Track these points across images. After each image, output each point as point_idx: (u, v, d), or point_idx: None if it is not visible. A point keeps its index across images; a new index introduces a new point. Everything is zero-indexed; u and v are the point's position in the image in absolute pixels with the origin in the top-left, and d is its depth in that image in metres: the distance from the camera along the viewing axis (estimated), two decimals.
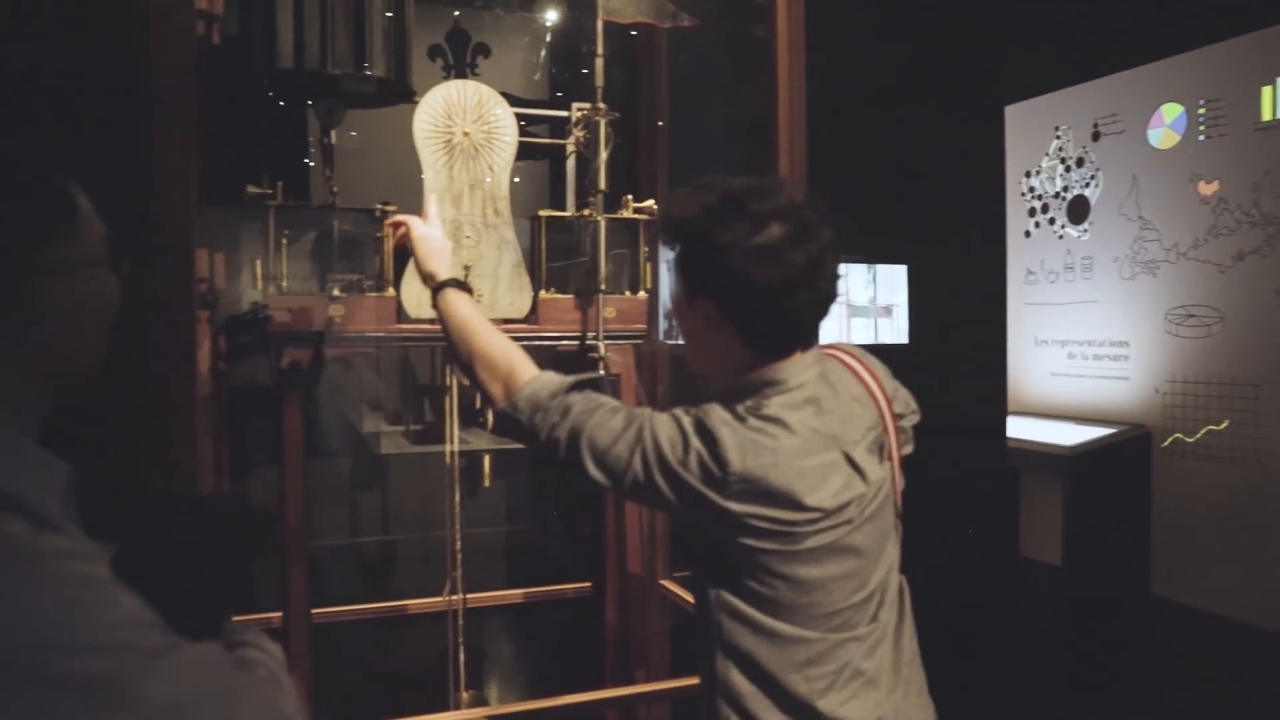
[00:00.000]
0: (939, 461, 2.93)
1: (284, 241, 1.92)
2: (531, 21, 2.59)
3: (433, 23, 2.34)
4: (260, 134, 2.17)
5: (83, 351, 0.96)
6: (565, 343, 2.08)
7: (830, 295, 1.31)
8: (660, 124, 2.43)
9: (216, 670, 0.86)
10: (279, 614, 1.94)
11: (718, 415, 1.24)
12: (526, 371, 1.36)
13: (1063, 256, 4.82)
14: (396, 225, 1.70)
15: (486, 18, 2.45)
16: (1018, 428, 4.52)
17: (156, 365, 1.69)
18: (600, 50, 2.01)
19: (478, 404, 2.14)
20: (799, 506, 1.22)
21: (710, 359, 1.35)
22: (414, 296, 1.97)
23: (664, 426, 1.25)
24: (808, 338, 1.33)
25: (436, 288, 1.51)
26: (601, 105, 2.03)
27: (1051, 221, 4.89)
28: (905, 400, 1.51)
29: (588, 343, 2.08)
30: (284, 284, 1.91)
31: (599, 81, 2.02)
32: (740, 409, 1.26)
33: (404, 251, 1.99)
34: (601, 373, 1.38)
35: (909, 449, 1.47)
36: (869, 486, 1.30)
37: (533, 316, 2.07)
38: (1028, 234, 5.03)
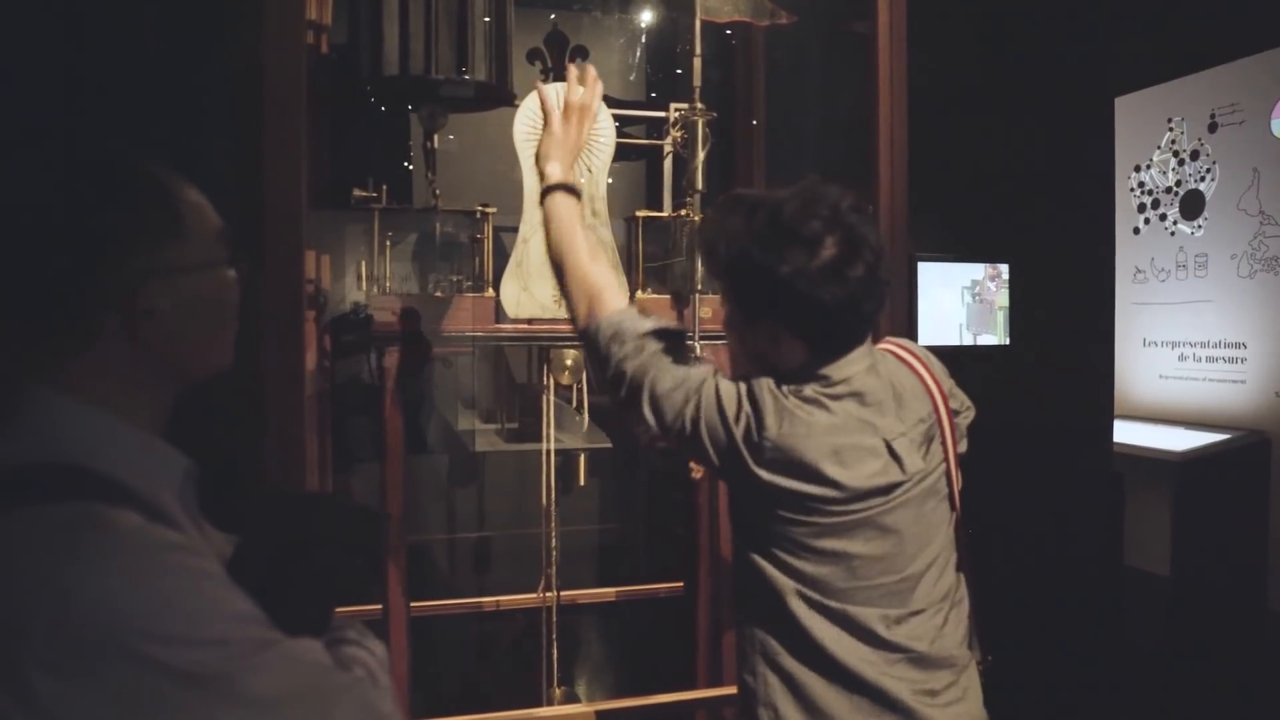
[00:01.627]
0: (1041, 466, 2.84)
1: (387, 243, 1.97)
2: (628, 22, 2.60)
3: (531, 26, 2.36)
4: (365, 138, 2.22)
5: (201, 350, 0.99)
6: None
7: (884, 293, 1.32)
8: (756, 123, 2.41)
9: (316, 668, 0.87)
10: (379, 606, 1.99)
11: (766, 385, 1.29)
12: (615, 300, 1.39)
13: (1174, 254, 4.61)
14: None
15: (584, 20, 2.46)
16: (1124, 432, 4.34)
17: (269, 363, 1.76)
18: (698, 50, 2.00)
19: (573, 403, 2.16)
20: (827, 481, 1.25)
21: (766, 368, 1.35)
22: (512, 297, 2.00)
23: (726, 385, 1.29)
24: (866, 336, 1.34)
25: (549, 187, 1.54)
26: (699, 105, 2.02)
27: (1162, 218, 4.68)
28: (961, 398, 1.51)
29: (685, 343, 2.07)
30: (387, 284, 1.96)
31: (696, 82, 2.02)
32: (785, 388, 1.29)
33: (502, 251, 2.02)
34: (687, 331, 1.41)
35: (963, 446, 1.47)
36: (907, 476, 1.31)
37: None
38: (1136, 231, 4.82)
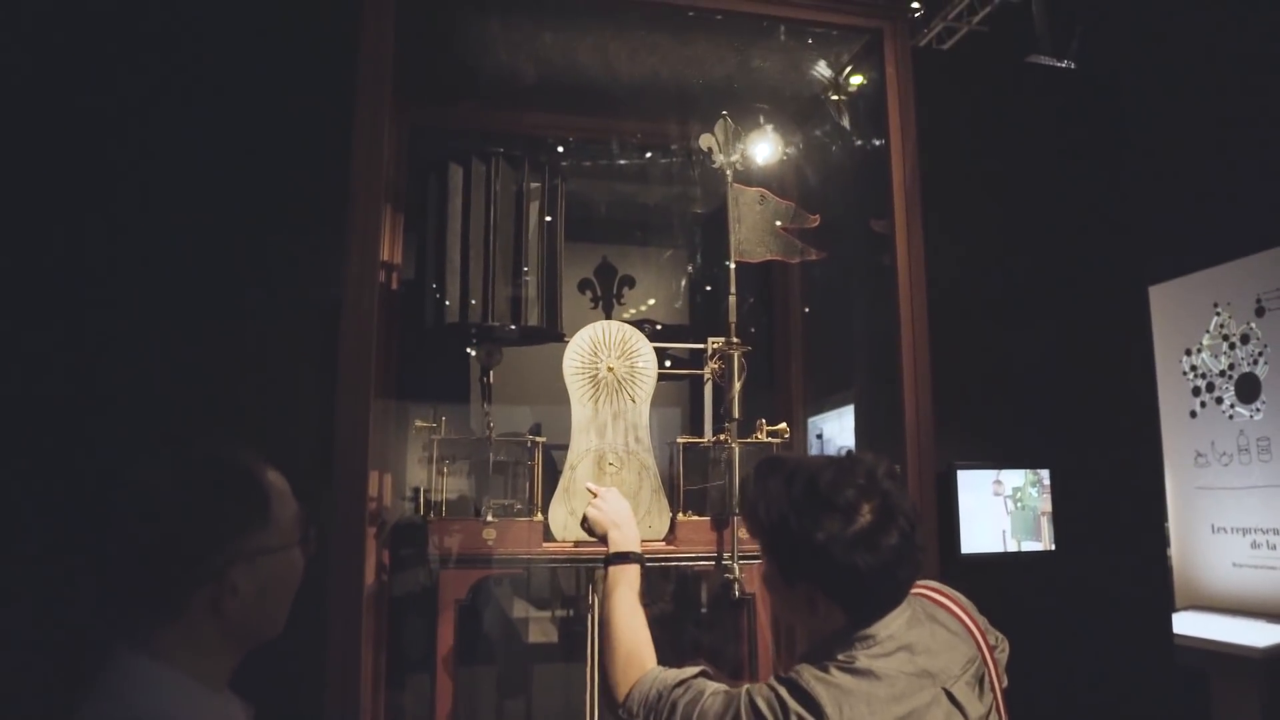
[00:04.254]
0: (1105, 671, 2.75)
1: (444, 469, 2.10)
2: (672, 252, 2.80)
3: (582, 257, 2.58)
4: (426, 366, 2.41)
5: (267, 620, 1.12)
6: (701, 563, 2.15)
7: (920, 560, 1.34)
8: (794, 342, 2.54)
9: None
10: None
11: (809, 674, 1.26)
12: (643, 663, 1.44)
13: (1235, 438, 4.54)
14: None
15: (632, 252, 2.67)
16: (1199, 625, 4.16)
17: (332, 575, 1.87)
18: (733, 290, 2.17)
19: None
20: None
21: (803, 621, 1.38)
22: (560, 521, 2.10)
23: (760, 695, 1.27)
24: (901, 600, 1.35)
25: (616, 555, 1.67)
26: (735, 340, 2.16)
27: (1219, 401, 4.64)
28: (995, 634, 1.51)
29: (723, 563, 2.13)
30: (443, 509, 2.08)
31: (732, 318, 2.17)
32: (831, 666, 1.28)
33: (552, 476, 2.14)
34: (704, 669, 1.43)
35: (1004, 682, 1.46)
36: None
37: (671, 537, 2.15)
38: (1193, 414, 4.78)
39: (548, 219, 2.15)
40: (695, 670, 1.38)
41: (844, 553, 1.27)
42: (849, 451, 1.40)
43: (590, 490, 1.89)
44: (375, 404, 1.97)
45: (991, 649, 1.45)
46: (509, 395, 2.37)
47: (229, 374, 2.21)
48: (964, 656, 1.36)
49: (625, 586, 1.59)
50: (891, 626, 1.32)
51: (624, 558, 1.66)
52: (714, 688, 1.33)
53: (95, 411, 2.08)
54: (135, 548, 1.03)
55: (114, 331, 2.14)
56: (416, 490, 2.14)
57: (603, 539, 1.74)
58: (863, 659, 1.28)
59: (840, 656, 1.29)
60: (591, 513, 1.80)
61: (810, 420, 2.74)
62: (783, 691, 1.26)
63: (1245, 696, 3.96)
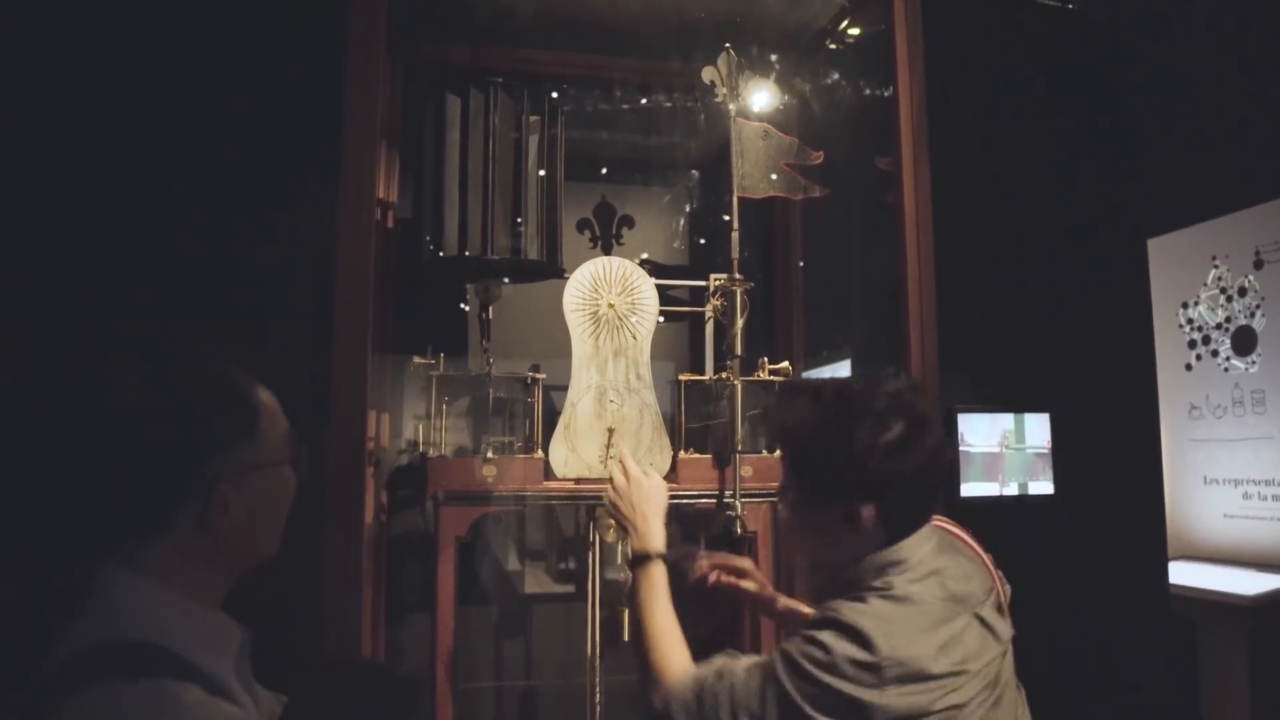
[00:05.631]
0: (1099, 616, 2.77)
1: (444, 405, 2.08)
2: (672, 192, 2.76)
3: (581, 196, 2.54)
4: (424, 304, 2.38)
5: (261, 538, 1.10)
6: (703, 501, 2.14)
7: (946, 468, 1.37)
8: (795, 284, 2.52)
9: None
10: None
11: (847, 609, 1.25)
12: (677, 671, 1.36)
13: (1230, 390, 4.55)
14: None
15: (630, 190, 2.63)
16: (1190, 574, 4.20)
17: (331, 513, 1.86)
18: (735, 225, 2.14)
19: (619, 560, 2.21)
20: (938, 677, 1.22)
21: (834, 550, 1.37)
22: (560, 458, 2.09)
23: (796, 650, 1.24)
24: (934, 510, 1.38)
25: (646, 554, 1.53)
26: (737, 276, 2.14)
27: (1214, 354, 4.65)
28: (999, 575, 1.51)
29: (725, 501, 2.13)
30: (443, 447, 2.06)
31: (734, 253, 2.14)
32: (868, 595, 1.27)
33: (552, 413, 2.13)
34: (729, 650, 1.38)
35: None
36: (1002, 644, 1.32)
37: (672, 475, 2.14)
38: (1189, 367, 4.78)
39: (547, 151, 2.10)
40: (722, 657, 1.33)
41: (881, 461, 1.27)
42: (869, 370, 1.40)
43: (622, 463, 1.67)
44: (372, 342, 1.95)
45: (1002, 582, 1.46)
46: (508, 337, 2.34)
47: (225, 313, 2.18)
48: (985, 584, 1.38)
49: (655, 589, 1.48)
50: (921, 550, 1.32)
51: (648, 558, 1.53)
52: (745, 663, 1.29)
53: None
54: (119, 456, 1.01)
55: (110, 276, 2.11)
56: (415, 428, 2.12)
57: (621, 525, 1.64)
58: (899, 584, 1.28)
59: (875, 584, 1.29)
60: (613, 495, 1.65)
61: (804, 375, 2.72)
62: (824, 636, 1.23)
63: (1232, 644, 4.01)
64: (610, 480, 1.68)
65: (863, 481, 1.30)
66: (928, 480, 1.33)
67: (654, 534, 1.57)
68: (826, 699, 1.19)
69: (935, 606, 1.27)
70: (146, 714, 0.87)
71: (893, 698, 1.19)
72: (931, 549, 1.34)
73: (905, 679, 1.20)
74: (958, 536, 1.46)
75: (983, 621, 1.30)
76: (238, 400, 1.07)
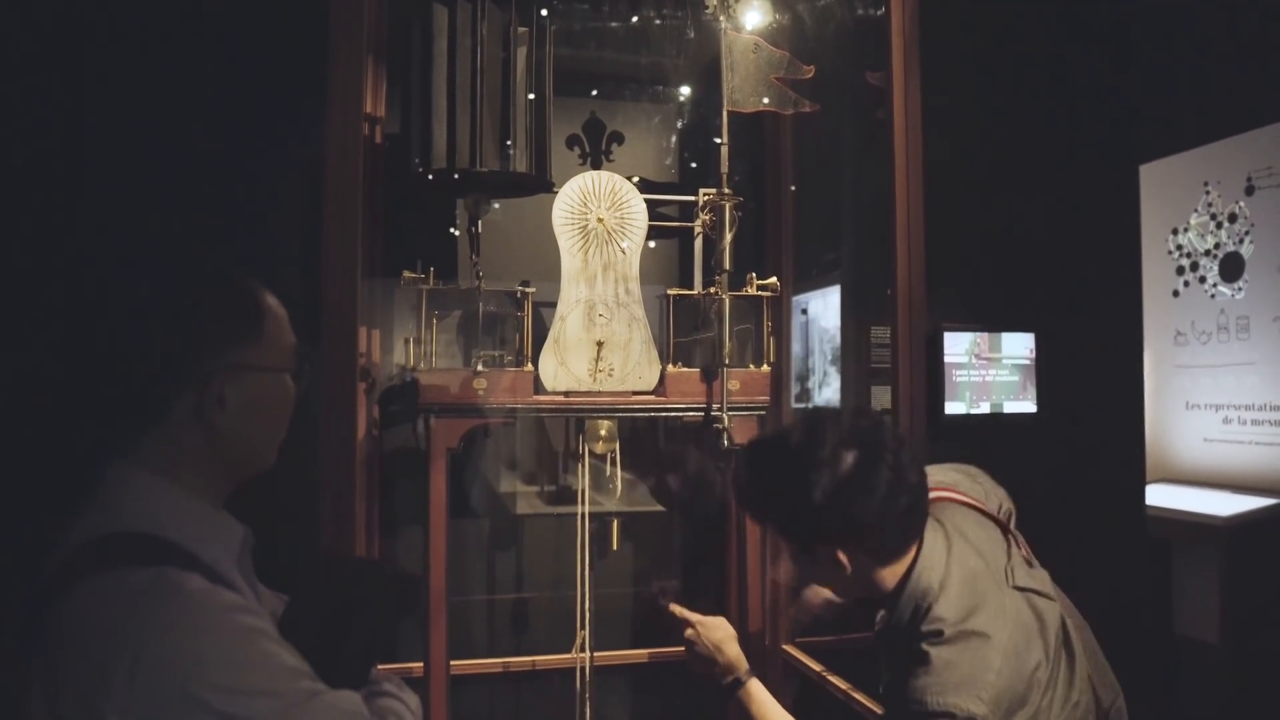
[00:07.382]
0: (1078, 534, 2.85)
1: (434, 320, 2.10)
2: (662, 110, 2.74)
3: (570, 113, 2.51)
4: (413, 221, 2.37)
5: (257, 444, 1.12)
6: (691, 414, 2.18)
7: (923, 484, 1.35)
8: (785, 203, 2.52)
9: (355, 717, 0.99)
10: (420, 664, 2.08)
11: (933, 697, 1.24)
12: None
13: (1215, 316, 4.59)
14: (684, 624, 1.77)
15: (620, 107, 2.61)
16: (1168, 496, 4.29)
17: (325, 430, 1.89)
18: (725, 139, 2.13)
19: (608, 471, 2.26)
20: (1038, 668, 1.28)
21: (852, 586, 1.39)
22: (550, 371, 2.12)
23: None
24: (923, 525, 1.37)
25: (738, 680, 1.64)
26: (726, 191, 2.14)
27: (1202, 280, 4.67)
28: (1000, 496, 1.55)
29: (712, 414, 2.16)
30: (433, 360, 2.08)
31: (724, 168, 2.14)
32: (931, 649, 1.27)
33: (541, 328, 2.15)
34: None
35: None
36: (1056, 596, 1.37)
37: (660, 389, 2.17)
38: (1176, 294, 4.81)
39: (536, 64, 2.08)
40: None
41: (844, 503, 1.27)
42: (813, 410, 1.41)
43: (685, 617, 1.75)
44: (362, 259, 1.95)
45: (1007, 517, 1.50)
46: (498, 257, 2.34)
47: (214, 231, 2.18)
48: (999, 545, 1.40)
49: (761, 704, 1.60)
50: (934, 560, 1.33)
51: (739, 682, 1.64)
52: None
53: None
54: (118, 340, 1.03)
55: (102, 194, 2.10)
56: (406, 342, 2.13)
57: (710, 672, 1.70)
58: (949, 615, 1.28)
59: (925, 629, 1.29)
60: (691, 651, 1.71)
61: (794, 299, 2.74)
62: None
63: (1206, 563, 4.12)
64: (684, 636, 1.74)
65: (835, 527, 1.31)
66: (898, 504, 1.30)
67: (735, 659, 1.67)
68: None
69: (988, 620, 1.28)
70: (150, 600, 0.90)
71: None
72: (943, 551, 1.35)
73: (1011, 710, 1.25)
74: (961, 501, 1.46)
75: (1024, 591, 1.34)
76: (241, 300, 1.09)
